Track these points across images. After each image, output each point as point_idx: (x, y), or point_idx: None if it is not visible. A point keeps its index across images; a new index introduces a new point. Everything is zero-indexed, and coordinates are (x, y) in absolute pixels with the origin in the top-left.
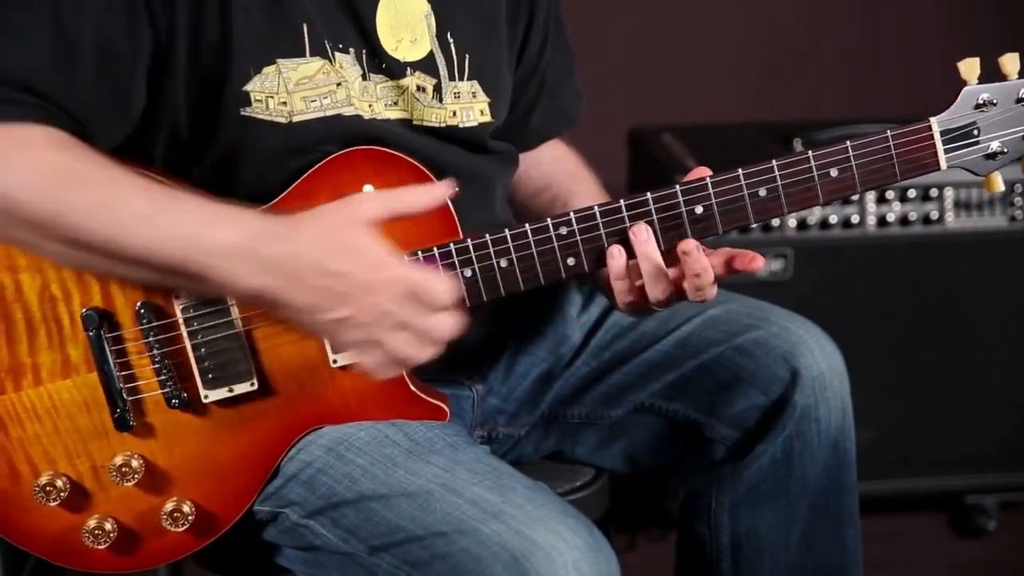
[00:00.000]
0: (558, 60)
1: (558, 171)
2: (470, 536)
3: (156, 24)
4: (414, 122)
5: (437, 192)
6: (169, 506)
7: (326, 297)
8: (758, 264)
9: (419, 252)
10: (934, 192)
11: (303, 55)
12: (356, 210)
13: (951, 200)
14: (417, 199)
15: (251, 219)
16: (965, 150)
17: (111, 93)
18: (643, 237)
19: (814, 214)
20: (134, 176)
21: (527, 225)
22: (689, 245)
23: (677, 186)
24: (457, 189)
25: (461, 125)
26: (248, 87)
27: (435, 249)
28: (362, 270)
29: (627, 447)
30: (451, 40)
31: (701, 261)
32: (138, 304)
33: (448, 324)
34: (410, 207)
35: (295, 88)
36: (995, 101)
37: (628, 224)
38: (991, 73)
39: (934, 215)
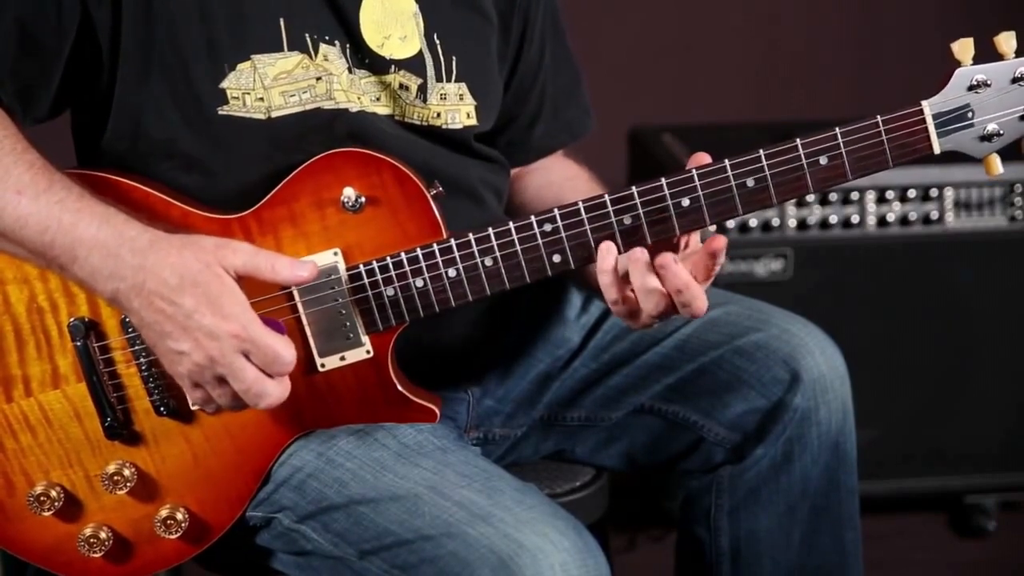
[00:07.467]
0: (561, 74)
1: (569, 190)
2: (458, 539)
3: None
4: (396, 118)
5: (302, 274)
6: (163, 513)
7: (167, 323)
8: (719, 243)
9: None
10: (934, 192)
11: (280, 49)
12: (224, 254)
13: (951, 200)
14: (283, 271)
15: (123, 224)
16: (959, 133)
17: (34, 70)
18: (637, 255)
19: (814, 214)
20: (30, 154)
21: (511, 223)
22: (666, 259)
23: (663, 179)
24: (442, 189)
25: (444, 126)
26: (223, 84)
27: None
28: (210, 314)
29: (626, 448)
30: (438, 41)
31: (681, 276)
32: (124, 314)
33: (277, 391)
34: (273, 276)
35: (273, 83)
36: (989, 82)
37: (614, 219)
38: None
39: (934, 215)
